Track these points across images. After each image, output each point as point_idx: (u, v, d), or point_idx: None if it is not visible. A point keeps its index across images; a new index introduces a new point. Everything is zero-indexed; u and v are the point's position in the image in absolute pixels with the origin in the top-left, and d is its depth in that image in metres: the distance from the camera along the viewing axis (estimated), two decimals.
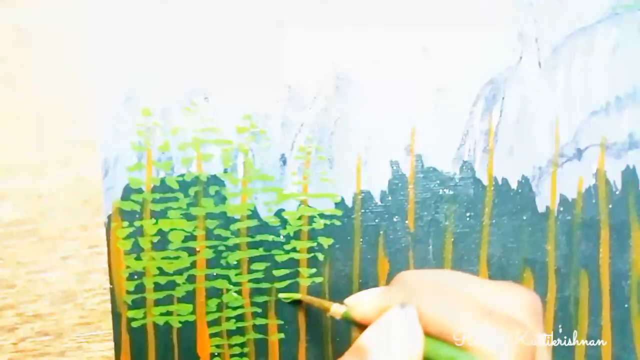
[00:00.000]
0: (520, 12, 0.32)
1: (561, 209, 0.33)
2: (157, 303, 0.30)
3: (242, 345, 0.31)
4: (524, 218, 0.32)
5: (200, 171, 0.30)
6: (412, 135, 0.31)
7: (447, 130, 0.32)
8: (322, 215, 0.31)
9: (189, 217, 0.30)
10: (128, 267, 0.29)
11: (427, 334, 0.20)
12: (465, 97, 0.32)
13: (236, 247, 0.30)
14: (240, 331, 0.31)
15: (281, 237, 0.31)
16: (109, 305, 0.29)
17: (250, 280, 0.30)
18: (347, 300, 0.24)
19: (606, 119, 0.33)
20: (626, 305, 0.33)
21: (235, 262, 0.30)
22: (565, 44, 0.32)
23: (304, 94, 0.30)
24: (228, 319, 0.30)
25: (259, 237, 0.30)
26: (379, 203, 0.31)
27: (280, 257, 0.31)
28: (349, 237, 0.31)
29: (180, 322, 0.30)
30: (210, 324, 0.30)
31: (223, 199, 0.30)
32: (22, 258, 0.29)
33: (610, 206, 0.33)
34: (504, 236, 0.32)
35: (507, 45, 0.32)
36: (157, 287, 0.30)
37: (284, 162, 0.30)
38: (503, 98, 0.32)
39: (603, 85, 0.33)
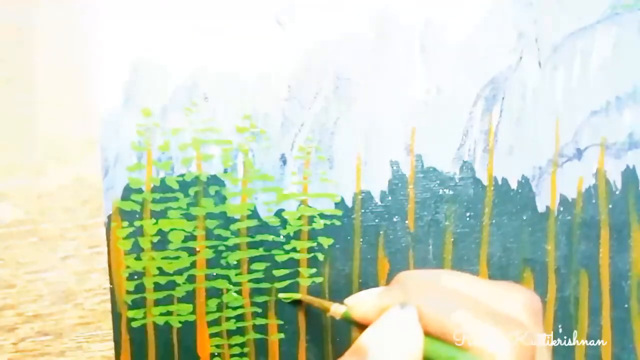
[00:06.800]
0: (520, 12, 0.32)
1: (561, 209, 0.33)
2: (157, 303, 0.30)
3: (242, 345, 0.31)
4: (524, 218, 0.32)
5: (200, 171, 0.30)
6: (412, 135, 0.31)
7: (447, 130, 0.32)
8: (322, 215, 0.31)
9: (189, 217, 0.30)
10: (128, 267, 0.29)
11: (427, 334, 0.20)
12: (465, 97, 0.32)
13: (236, 247, 0.30)
14: (240, 331, 0.31)
15: (281, 237, 0.31)
16: (109, 305, 0.29)
17: (250, 280, 0.30)
18: (347, 300, 0.24)
19: (606, 119, 0.33)
20: (626, 305, 0.33)
21: (235, 262, 0.30)
22: (565, 44, 0.32)
23: (304, 94, 0.30)
24: (228, 319, 0.30)
25: (259, 237, 0.30)
26: (379, 203, 0.31)
27: (280, 257, 0.31)
28: (349, 237, 0.31)
29: (180, 322, 0.30)
30: (210, 324, 0.30)
31: (223, 199, 0.30)
32: (22, 258, 0.29)
33: (610, 206, 0.33)
34: (504, 236, 0.32)
35: (507, 45, 0.32)
36: (157, 287, 0.30)
37: (284, 162, 0.30)
38: (503, 98, 0.32)
39: (603, 85, 0.33)
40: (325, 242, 0.31)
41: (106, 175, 0.29)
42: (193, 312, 0.30)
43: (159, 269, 0.30)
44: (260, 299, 0.31)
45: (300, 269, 0.31)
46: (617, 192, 0.33)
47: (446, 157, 0.32)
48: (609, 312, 0.33)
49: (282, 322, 0.31)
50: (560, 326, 0.33)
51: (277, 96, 0.30)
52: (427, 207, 0.32)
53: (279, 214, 0.31)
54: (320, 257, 0.31)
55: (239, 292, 0.30)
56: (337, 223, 0.31)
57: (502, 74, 0.32)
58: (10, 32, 0.28)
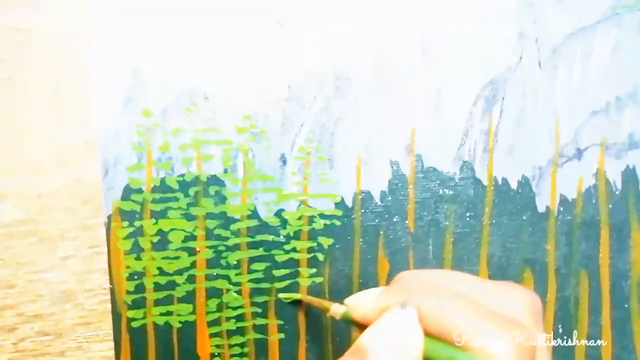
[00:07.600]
0: (520, 12, 0.32)
1: (561, 209, 0.33)
2: (157, 303, 0.30)
3: (242, 345, 0.31)
4: (524, 218, 0.32)
5: (200, 171, 0.30)
6: (412, 135, 0.31)
7: (447, 130, 0.32)
8: (322, 215, 0.31)
9: (189, 217, 0.30)
10: (128, 267, 0.29)
11: (427, 334, 0.20)
12: (465, 97, 0.32)
13: (236, 247, 0.30)
14: (240, 331, 0.31)
15: (281, 237, 0.31)
16: (109, 305, 0.29)
17: (250, 280, 0.30)
18: (347, 300, 0.24)
19: (606, 119, 0.33)
20: (626, 305, 0.33)
21: (235, 262, 0.30)
22: (565, 44, 0.32)
23: (304, 94, 0.30)
24: (228, 319, 0.30)
25: (259, 237, 0.30)
26: (379, 203, 0.31)
27: (280, 257, 0.31)
28: (349, 237, 0.31)
29: (180, 322, 0.30)
30: (210, 324, 0.30)
31: (223, 199, 0.30)
32: (22, 258, 0.29)
33: (610, 206, 0.33)
34: (504, 236, 0.32)
35: (507, 45, 0.32)
36: (157, 287, 0.30)
37: (284, 162, 0.30)
38: (503, 98, 0.32)
39: (603, 85, 0.33)
40: (325, 242, 0.31)
41: (106, 175, 0.29)
42: (193, 312, 0.30)
43: (159, 269, 0.30)
44: (260, 299, 0.31)
45: (300, 269, 0.31)
46: (617, 192, 0.33)
47: (446, 157, 0.32)
48: (609, 312, 0.33)
49: (282, 322, 0.31)
50: (560, 326, 0.33)
51: (277, 96, 0.30)
52: (427, 207, 0.32)
53: (279, 214, 0.31)
54: (320, 257, 0.31)
55: (239, 292, 0.30)
56: (337, 223, 0.31)
57: (502, 74, 0.32)
58: (10, 33, 0.28)
